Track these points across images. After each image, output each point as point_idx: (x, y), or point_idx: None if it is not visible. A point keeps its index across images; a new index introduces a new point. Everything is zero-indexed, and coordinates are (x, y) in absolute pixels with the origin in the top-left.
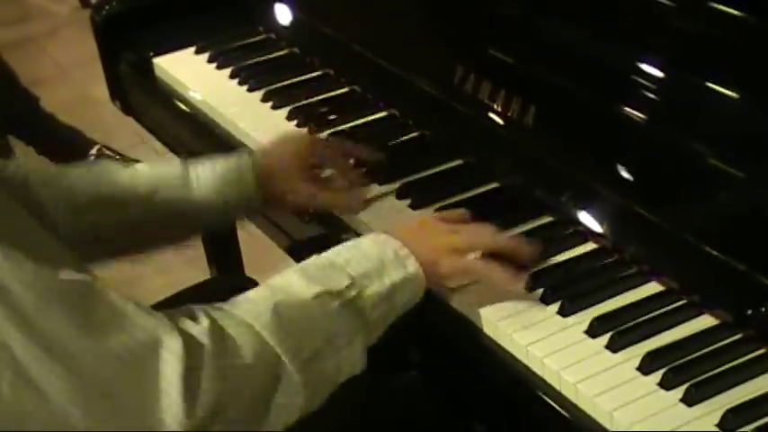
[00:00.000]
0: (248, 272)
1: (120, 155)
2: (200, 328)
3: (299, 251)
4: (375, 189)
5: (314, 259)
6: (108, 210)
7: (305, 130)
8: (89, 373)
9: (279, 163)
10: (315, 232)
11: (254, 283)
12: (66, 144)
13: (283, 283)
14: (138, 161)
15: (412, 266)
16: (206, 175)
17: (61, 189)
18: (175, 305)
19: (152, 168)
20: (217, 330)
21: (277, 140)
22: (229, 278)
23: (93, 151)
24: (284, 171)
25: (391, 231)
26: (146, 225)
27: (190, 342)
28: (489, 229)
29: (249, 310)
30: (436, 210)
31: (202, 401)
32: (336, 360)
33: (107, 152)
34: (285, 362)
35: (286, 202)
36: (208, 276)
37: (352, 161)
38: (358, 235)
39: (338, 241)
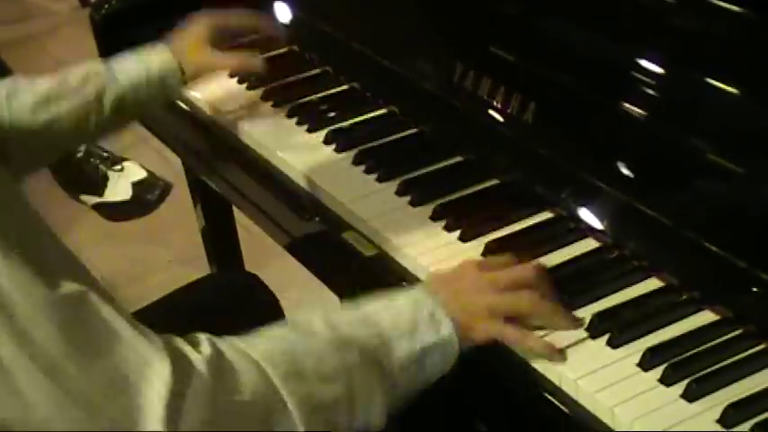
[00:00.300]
0: (248, 270)
1: (107, 152)
2: (198, 356)
3: (298, 248)
4: (375, 186)
5: (344, 311)
6: (48, 106)
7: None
8: (74, 390)
9: (189, 36)
10: (314, 230)
11: (254, 278)
12: None
13: (307, 327)
14: (126, 159)
15: (446, 330)
16: (125, 56)
17: (1, 98)
18: (173, 302)
19: (79, 66)
20: (217, 360)
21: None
22: (227, 274)
23: (82, 149)
24: (194, 41)
25: (427, 284)
26: (85, 113)
27: (181, 367)
28: (534, 296)
29: (262, 350)
30: (436, 206)
31: (185, 429)
32: (351, 414)
33: (96, 150)
34: (290, 408)
35: (198, 68)
36: (208, 274)
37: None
38: (358, 232)
39: (337, 239)
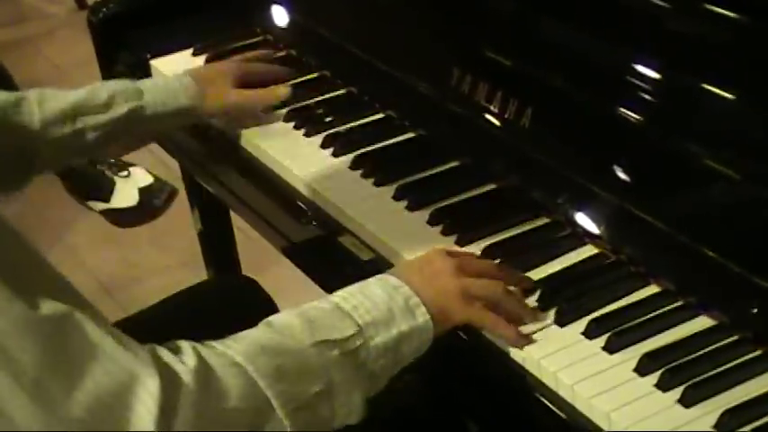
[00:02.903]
0: (246, 273)
1: (113, 158)
2: (184, 367)
3: (295, 253)
4: (372, 190)
5: (319, 303)
6: (76, 119)
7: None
8: (61, 411)
9: (212, 73)
10: (311, 234)
11: (251, 282)
12: None
13: (284, 325)
14: (131, 165)
15: (422, 317)
16: (153, 84)
17: (33, 105)
18: (170, 307)
19: (105, 84)
20: (203, 370)
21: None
22: (224, 278)
23: None
24: (217, 79)
25: (399, 271)
26: (108, 130)
27: (169, 380)
28: (500, 275)
29: (243, 351)
30: (433, 211)
31: None
32: (331, 409)
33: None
34: (275, 408)
35: (223, 106)
36: (205, 278)
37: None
38: (355, 237)
39: (334, 243)
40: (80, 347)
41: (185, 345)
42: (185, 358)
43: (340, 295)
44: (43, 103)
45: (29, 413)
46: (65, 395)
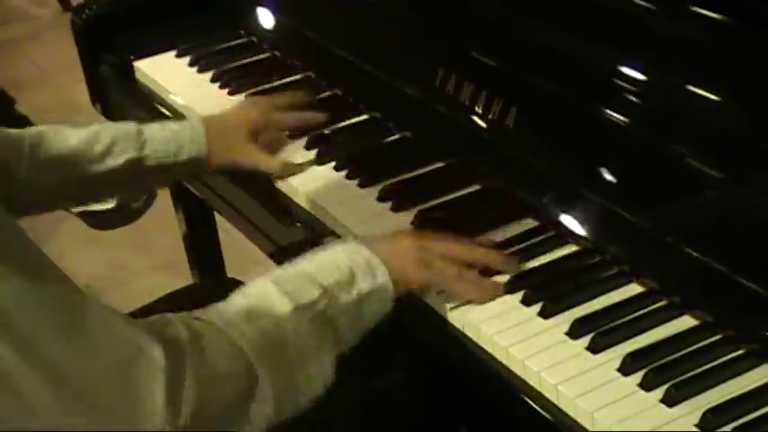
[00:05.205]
0: (230, 275)
1: None
2: (179, 339)
3: (280, 255)
4: (356, 192)
5: (287, 268)
6: (67, 168)
7: (253, 99)
8: (76, 391)
9: (228, 125)
10: (297, 236)
11: (237, 284)
12: None
13: (259, 292)
14: None
15: (381, 277)
16: (159, 133)
17: (24, 149)
18: (155, 311)
19: (108, 128)
20: (196, 340)
21: (229, 108)
22: (209, 282)
23: None
24: (233, 132)
25: (364, 240)
26: (103, 179)
27: (171, 352)
28: (464, 242)
29: (228, 321)
30: (418, 212)
31: (185, 411)
32: (307, 372)
33: None
34: (259, 373)
35: (230, 162)
36: (189, 281)
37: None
38: (339, 238)
39: (319, 245)
40: (90, 325)
41: (174, 318)
42: (179, 328)
43: (306, 259)
44: (36, 149)
45: (46, 398)
46: (79, 373)
